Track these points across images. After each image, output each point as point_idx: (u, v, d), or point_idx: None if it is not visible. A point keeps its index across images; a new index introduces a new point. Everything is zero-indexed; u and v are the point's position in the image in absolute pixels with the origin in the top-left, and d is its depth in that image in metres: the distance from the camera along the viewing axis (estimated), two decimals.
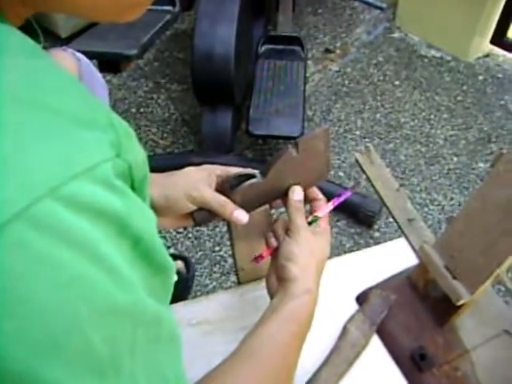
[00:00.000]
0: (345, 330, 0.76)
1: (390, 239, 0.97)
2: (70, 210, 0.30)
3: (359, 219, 1.57)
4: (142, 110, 1.95)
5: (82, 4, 0.39)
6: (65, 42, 1.98)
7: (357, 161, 1.72)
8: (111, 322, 0.32)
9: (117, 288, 0.32)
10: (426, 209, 1.63)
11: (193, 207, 0.67)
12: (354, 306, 0.81)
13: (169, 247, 1.53)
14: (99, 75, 0.97)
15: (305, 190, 0.70)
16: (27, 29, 0.41)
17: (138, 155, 0.38)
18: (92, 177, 0.31)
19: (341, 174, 1.71)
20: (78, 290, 0.30)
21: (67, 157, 0.31)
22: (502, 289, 1.38)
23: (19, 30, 0.37)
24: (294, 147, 0.64)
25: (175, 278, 1.32)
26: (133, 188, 0.38)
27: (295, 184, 0.69)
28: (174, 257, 1.43)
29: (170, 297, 0.42)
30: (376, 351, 0.76)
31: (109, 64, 1.33)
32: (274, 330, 0.59)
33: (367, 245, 1.51)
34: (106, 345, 0.32)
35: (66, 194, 0.30)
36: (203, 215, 0.68)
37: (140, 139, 1.82)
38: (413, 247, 0.89)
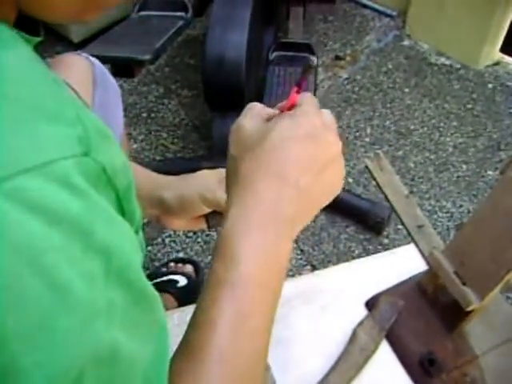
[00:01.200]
0: (354, 335, 0.76)
1: (400, 246, 0.97)
2: (15, 207, 0.26)
3: (368, 226, 1.57)
4: (152, 115, 1.96)
5: (38, 3, 0.36)
6: (77, 46, 2.00)
7: (367, 167, 1.73)
8: (47, 347, 0.27)
9: (59, 307, 0.28)
10: (435, 216, 1.63)
11: (206, 209, 0.68)
12: (364, 312, 0.81)
13: (178, 251, 1.54)
14: (113, 80, 0.98)
15: None
16: (29, 24, 0.39)
17: (116, 159, 0.34)
18: (46, 173, 0.28)
19: (350, 180, 1.72)
20: (7, 298, 0.26)
21: (18, 149, 0.28)
22: (511, 296, 1.38)
23: (18, 23, 0.36)
24: None
25: (185, 281, 1.32)
26: (118, 198, 0.35)
27: None
28: (184, 261, 1.44)
29: (160, 337, 0.37)
30: (385, 356, 0.77)
31: (122, 69, 1.34)
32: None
33: (376, 251, 1.51)
34: (40, 372, 0.27)
35: (11, 188, 0.26)
36: (216, 218, 0.69)
37: (150, 144, 1.83)
38: (422, 253, 0.89)
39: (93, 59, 0.92)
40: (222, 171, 0.71)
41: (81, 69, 0.89)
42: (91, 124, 0.33)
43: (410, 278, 0.84)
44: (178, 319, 0.80)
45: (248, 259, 0.42)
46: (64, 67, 0.87)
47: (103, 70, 0.94)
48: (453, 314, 0.76)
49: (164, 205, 0.68)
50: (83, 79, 0.87)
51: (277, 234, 0.43)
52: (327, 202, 0.48)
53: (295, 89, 0.49)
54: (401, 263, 0.88)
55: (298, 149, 0.45)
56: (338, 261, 1.50)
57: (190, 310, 0.82)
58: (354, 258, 1.50)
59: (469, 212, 1.63)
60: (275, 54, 1.87)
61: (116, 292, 0.31)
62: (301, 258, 1.51)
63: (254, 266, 0.42)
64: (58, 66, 0.87)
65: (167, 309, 1.05)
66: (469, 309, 0.71)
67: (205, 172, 0.70)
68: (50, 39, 2.11)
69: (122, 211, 0.37)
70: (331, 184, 0.48)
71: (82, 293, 0.28)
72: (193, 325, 0.44)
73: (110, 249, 0.30)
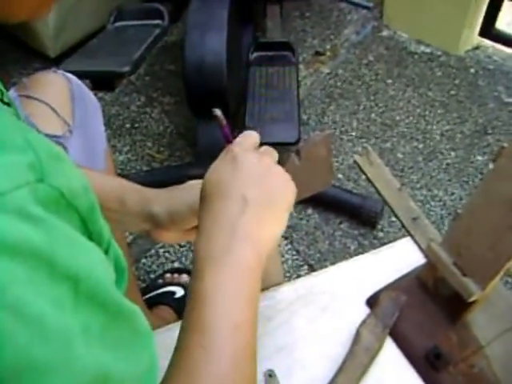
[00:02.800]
0: (358, 335, 0.75)
1: (395, 238, 0.96)
2: None
3: (362, 220, 1.56)
4: (136, 125, 1.94)
5: None
6: (54, 62, 1.97)
7: (355, 162, 1.72)
8: (30, 383, 0.27)
9: (35, 339, 0.27)
10: (427, 205, 1.63)
11: (196, 221, 0.67)
12: (365, 310, 0.80)
13: (173, 261, 1.52)
14: (91, 95, 0.96)
15: (309, 198, 0.69)
16: None
17: (74, 181, 0.34)
18: (0, 206, 0.27)
19: (340, 176, 1.71)
20: None
21: None
22: (510, 280, 1.38)
23: None
24: (296, 155, 0.64)
25: (182, 292, 1.30)
26: (82, 219, 0.34)
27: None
28: (179, 271, 1.42)
29: (145, 346, 0.37)
30: (390, 354, 0.76)
31: (102, 82, 1.32)
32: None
33: (372, 245, 1.51)
34: None
35: None
36: None
37: (136, 155, 1.81)
38: (419, 246, 0.89)
39: (69, 75, 0.91)
40: None
41: (58, 87, 0.87)
42: (42, 148, 0.32)
43: (410, 273, 0.84)
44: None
45: (218, 270, 0.47)
46: (41, 86, 0.85)
47: (81, 86, 0.92)
48: (455, 306, 0.75)
49: (154, 219, 0.67)
50: (61, 97, 0.86)
51: (237, 243, 0.48)
52: (289, 203, 0.54)
53: (227, 144, 0.58)
54: (399, 257, 0.87)
55: (229, 172, 0.52)
56: (335, 258, 1.49)
57: None
58: (350, 254, 1.50)
59: (461, 199, 1.63)
60: (255, 54, 1.86)
61: (89, 314, 0.31)
62: (297, 259, 1.50)
63: (224, 273, 0.47)
64: (35, 85, 0.85)
65: (167, 321, 1.03)
66: (471, 299, 0.71)
67: (192, 183, 0.69)
68: (27, 56, 2.09)
69: (88, 232, 0.37)
70: (279, 187, 0.53)
71: (54, 321, 0.28)
72: (180, 331, 0.47)
73: (76, 273, 0.30)
